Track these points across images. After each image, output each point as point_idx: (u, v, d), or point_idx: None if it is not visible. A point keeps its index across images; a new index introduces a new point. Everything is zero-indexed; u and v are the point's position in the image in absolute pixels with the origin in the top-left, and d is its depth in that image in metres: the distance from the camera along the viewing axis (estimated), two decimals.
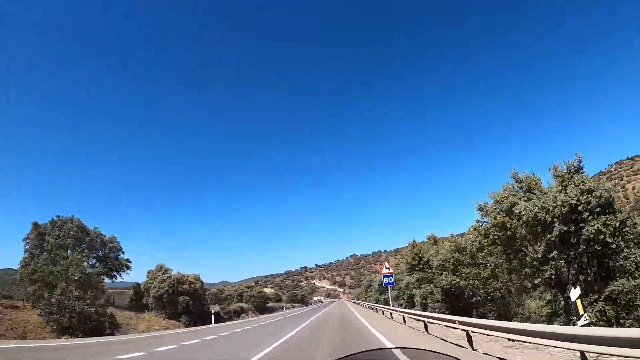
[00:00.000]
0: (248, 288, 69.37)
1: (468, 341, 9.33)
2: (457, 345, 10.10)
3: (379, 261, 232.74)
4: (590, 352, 5.28)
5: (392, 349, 1.86)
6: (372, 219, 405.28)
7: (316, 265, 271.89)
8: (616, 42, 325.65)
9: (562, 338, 5.52)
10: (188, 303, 35.16)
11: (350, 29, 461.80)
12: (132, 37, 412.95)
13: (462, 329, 9.69)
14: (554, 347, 6.05)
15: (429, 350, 1.79)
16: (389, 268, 29.37)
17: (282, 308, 75.37)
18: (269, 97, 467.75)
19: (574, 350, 5.46)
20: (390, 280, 28.54)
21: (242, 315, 47.95)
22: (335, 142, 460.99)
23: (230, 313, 45.57)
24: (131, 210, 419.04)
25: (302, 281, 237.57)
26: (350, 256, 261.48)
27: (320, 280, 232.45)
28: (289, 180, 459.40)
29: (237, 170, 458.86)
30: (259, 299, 63.75)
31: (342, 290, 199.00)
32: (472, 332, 9.11)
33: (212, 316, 36.56)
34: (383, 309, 29.60)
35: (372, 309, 38.10)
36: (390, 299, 31.11)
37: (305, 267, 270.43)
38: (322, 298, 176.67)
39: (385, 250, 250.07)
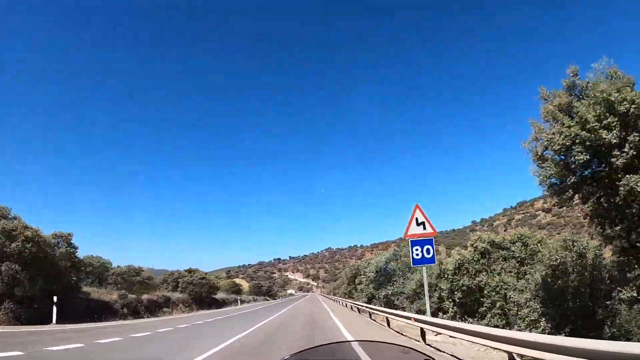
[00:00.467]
0: (189, 273, 49.79)
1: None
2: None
3: (355, 255, 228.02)
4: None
5: (351, 342, 1.91)
6: (350, 213, 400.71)
7: (290, 257, 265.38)
8: None
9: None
10: (17, 277, 18.08)
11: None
12: None
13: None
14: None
15: (384, 342, 1.88)
16: (423, 223, 12.21)
17: (237, 301, 60.94)
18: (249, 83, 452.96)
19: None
20: (428, 252, 12.01)
21: (165, 310, 33.19)
22: (311, 133, 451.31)
23: (136, 306, 28.65)
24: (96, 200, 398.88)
25: (274, 273, 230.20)
26: (326, 249, 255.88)
27: (293, 272, 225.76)
28: (265, 169, 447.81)
29: (208, 159, 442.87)
30: (201, 288, 47.16)
31: (315, 283, 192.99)
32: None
33: (55, 309, 18.82)
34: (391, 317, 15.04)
35: (361, 310, 25.74)
36: (426, 293, 12.56)
37: (279, 259, 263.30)
38: (295, 291, 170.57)
39: (362, 245, 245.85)
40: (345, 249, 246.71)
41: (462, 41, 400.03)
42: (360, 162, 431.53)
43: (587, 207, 9.29)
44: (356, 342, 1.93)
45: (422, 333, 10.20)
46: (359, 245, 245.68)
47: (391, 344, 1.90)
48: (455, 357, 8.14)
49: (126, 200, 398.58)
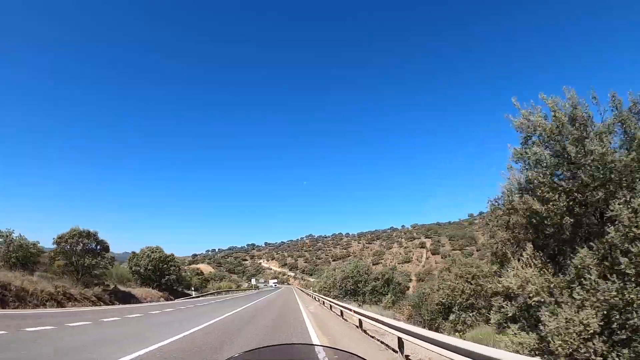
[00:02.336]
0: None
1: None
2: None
3: (340, 245, 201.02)
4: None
5: (315, 346, 1.87)
6: (334, 199, 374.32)
7: (266, 243, 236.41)
8: None
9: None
10: None
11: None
12: None
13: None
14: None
15: (348, 352, 1.84)
16: None
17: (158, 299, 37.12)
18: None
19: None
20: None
21: None
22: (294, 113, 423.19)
23: None
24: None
25: (246, 260, 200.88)
26: (306, 236, 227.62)
27: (268, 260, 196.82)
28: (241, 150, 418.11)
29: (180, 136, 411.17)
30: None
31: (293, 274, 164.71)
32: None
33: None
34: None
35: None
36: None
37: (253, 245, 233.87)
38: (272, 282, 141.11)
39: (348, 234, 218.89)
40: (329, 237, 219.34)
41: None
42: (345, 146, 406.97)
43: None
44: (321, 347, 1.83)
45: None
46: (344, 234, 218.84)
47: (354, 355, 1.82)
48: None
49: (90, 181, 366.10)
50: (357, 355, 1.83)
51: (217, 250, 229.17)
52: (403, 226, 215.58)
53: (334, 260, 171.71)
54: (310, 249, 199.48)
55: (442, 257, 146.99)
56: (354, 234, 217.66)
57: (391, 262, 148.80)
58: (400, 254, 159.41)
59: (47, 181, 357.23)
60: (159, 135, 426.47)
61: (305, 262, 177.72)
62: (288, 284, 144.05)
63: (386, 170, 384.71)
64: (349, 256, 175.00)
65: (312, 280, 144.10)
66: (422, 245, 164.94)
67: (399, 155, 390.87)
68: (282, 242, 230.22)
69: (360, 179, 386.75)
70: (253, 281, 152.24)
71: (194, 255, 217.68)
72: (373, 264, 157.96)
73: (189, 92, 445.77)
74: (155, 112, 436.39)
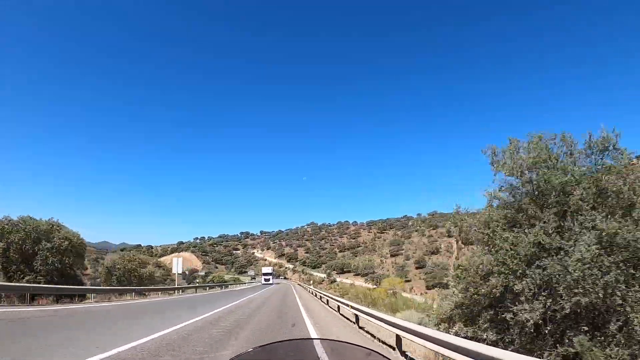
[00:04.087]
0: None
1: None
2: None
3: (347, 234, 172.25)
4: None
5: (313, 340, 1.88)
6: (335, 186, 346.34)
7: (262, 232, 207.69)
8: None
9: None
10: None
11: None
12: None
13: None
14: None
15: (347, 342, 1.86)
16: None
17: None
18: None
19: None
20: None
21: None
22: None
23: None
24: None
25: (237, 249, 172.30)
26: (308, 224, 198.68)
27: (262, 250, 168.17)
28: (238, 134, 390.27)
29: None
30: None
31: (291, 266, 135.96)
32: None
33: None
34: None
35: None
36: None
37: (247, 233, 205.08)
38: (266, 273, 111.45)
39: (356, 222, 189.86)
40: (334, 225, 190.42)
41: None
42: (344, 139, 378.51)
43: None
44: (319, 340, 1.84)
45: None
46: (351, 222, 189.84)
47: (354, 344, 1.81)
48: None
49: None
50: (356, 345, 1.83)
51: (206, 239, 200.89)
52: (419, 214, 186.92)
53: (340, 251, 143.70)
54: (312, 238, 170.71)
55: (477, 248, 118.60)
56: (363, 222, 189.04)
57: (414, 253, 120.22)
58: (423, 243, 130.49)
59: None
60: (148, 120, 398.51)
61: (307, 252, 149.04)
62: (285, 277, 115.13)
63: (391, 159, 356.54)
64: (358, 246, 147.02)
65: (315, 274, 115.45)
66: (450, 234, 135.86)
67: (401, 147, 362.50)
68: (279, 230, 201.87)
69: (363, 166, 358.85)
70: (251, 274, 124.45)
71: (180, 243, 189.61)
72: (391, 255, 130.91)
73: (184, 78, 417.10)
74: (154, 101, 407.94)
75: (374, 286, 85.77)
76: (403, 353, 8.54)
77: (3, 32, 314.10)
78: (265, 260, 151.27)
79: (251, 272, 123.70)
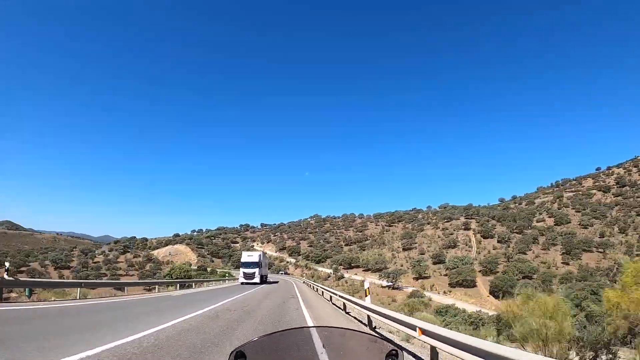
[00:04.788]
0: None
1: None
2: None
3: (353, 226, 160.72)
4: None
5: (310, 328, 1.88)
6: (339, 179, 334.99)
7: (262, 224, 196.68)
8: None
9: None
10: None
11: None
12: None
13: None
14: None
15: (353, 330, 1.88)
16: None
17: None
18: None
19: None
20: None
21: None
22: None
23: None
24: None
25: (236, 242, 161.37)
26: (312, 217, 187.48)
27: (262, 243, 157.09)
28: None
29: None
30: None
31: (293, 260, 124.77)
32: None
33: None
34: None
35: None
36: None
37: (247, 225, 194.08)
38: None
39: (362, 215, 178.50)
40: (339, 217, 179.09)
41: None
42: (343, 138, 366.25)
43: None
44: (323, 327, 1.84)
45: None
46: (357, 215, 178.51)
47: (359, 331, 1.84)
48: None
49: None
50: (366, 332, 1.87)
51: (204, 231, 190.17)
52: (429, 207, 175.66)
53: (347, 245, 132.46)
54: (316, 230, 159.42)
55: (498, 242, 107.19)
56: (369, 215, 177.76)
57: (428, 246, 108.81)
58: (438, 237, 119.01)
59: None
60: (148, 115, 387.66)
61: (310, 245, 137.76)
62: (286, 272, 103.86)
63: (398, 153, 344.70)
64: (366, 240, 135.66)
65: (320, 269, 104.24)
66: (467, 227, 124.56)
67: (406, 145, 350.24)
68: (281, 223, 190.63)
69: (370, 159, 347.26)
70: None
71: (176, 235, 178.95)
72: (404, 249, 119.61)
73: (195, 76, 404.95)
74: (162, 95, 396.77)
75: (390, 284, 74.42)
76: None
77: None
78: (266, 254, 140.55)
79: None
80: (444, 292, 70.50)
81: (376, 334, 2.58)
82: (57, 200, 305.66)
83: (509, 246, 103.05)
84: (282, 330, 1.78)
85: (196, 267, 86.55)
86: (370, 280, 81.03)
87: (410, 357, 7.37)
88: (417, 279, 79.31)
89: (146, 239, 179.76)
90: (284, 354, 1.73)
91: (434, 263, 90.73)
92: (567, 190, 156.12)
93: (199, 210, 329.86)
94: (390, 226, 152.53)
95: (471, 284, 73.12)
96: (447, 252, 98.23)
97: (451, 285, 73.51)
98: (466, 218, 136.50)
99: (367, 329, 10.68)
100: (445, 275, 79.84)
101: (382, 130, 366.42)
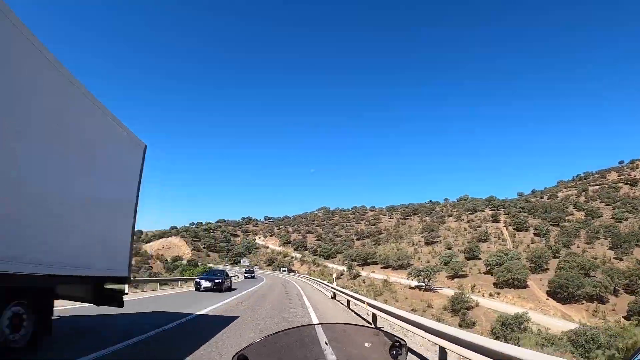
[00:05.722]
0: None
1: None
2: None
3: (365, 219, 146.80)
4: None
5: (315, 325, 1.86)
6: (348, 171, 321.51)
7: (266, 218, 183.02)
8: None
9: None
10: None
11: None
12: None
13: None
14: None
15: (355, 324, 1.91)
16: None
17: None
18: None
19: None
20: None
21: None
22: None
23: None
24: None
25: (237, 235, 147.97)
26: (319, 209, 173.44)
27: (265, 237, 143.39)
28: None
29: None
30: None
31: (299, 255, 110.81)
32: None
33: None
34: None
35: None
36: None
37: (249, 218, 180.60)
38: (249, 268, 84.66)
39: (374, 207, 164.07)
40: (349, 210, 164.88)
41: None
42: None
43: None
44: (325, 324, 1.81)
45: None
46: (369, 207, 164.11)
47: (362, 326, 1.88)
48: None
49: None
50: (367, 326, 1.93)
51: (203, 223, 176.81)
52: (446, 199, 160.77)
53: (358, 239, 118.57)
54: (324, 223, 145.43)
55: (535, 234, 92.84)
56: (382, 207, 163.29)
57: (455, 240, 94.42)
58: (465, 229, 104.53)
59: None
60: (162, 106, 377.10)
61: (318, 239, 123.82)
62: (290, 269, 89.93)
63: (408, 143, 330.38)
64: (380, 234, 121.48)
65: (330, 266, 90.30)
66: (495, 219, 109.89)
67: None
68: (285, 216, 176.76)
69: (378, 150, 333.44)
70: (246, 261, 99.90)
71: (173, 228, 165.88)
72: (426, 243, 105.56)
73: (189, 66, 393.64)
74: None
75: (421, 284, 60.14)
76: None
77: None
78: (268, 247, 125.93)
79: (245, 262, 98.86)
80: (490, 295, 56.24)
81: (378, 328, 2.56)
82: None
83: (548, 239, 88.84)
84: (286, 329, 1.70)
85: (185, 262, 72.91)
86: (394, 279, 67.39)
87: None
88: (451, 277, 64.95)
89: (141, 231, 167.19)
90: (289, 352, 1.67)
91: (468, 258, 76.36)
92: (591, 183, 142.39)
93: (201, 202, 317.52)
94: (405, 219, 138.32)
95: (522, 284, 58.76)
96: (479, 246, 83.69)
97: (497, 285, 59.20)
98: (491, 210, 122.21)
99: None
100: (487, 273, 65.47)
101: (395, 122, 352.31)
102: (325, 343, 1.69)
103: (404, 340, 1.62)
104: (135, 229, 9.07)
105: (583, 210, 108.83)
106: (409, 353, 1.71)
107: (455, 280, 63.06)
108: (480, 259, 75.53)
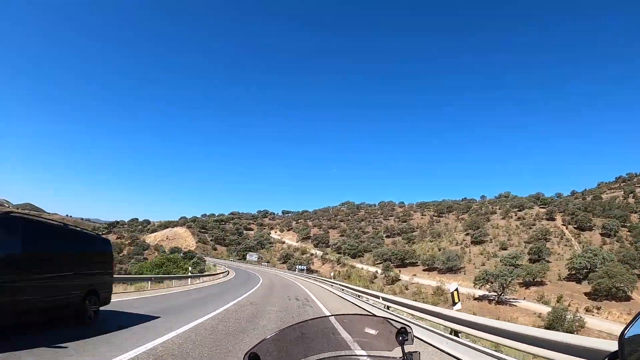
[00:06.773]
0: None
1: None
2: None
3: (392, 215, 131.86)
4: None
5: (329, 317, 1.98)
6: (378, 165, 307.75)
7: (284, 211, 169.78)
8: None
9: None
10: None
11: None
12: None
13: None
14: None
15: (361, 314, 2.04)
16: None
17: None
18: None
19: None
20: None
21: None
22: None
23: None
24: None
25: (250, 228, 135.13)
26: (343, 204, 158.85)
27: (282, 231, 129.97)
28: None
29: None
30: None
31: (320, 252, 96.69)
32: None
33: None
34: None
35: None
36: None
37: (266, 212, 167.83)
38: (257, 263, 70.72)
39: (403, 203, 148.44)
40: (376, 205, 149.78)
41: None
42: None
43: None
44: (333, 316, 1.96)
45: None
46: (398, 203, 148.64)
47: (368, 315, 1.93)
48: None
49: None
50: (373, 315, 1.99)
51: (216, 215, 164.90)
52: (483, 196, 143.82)
53: (388, 237, 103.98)
54: (349, 218, 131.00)
55: (602, 234, 76.43)
56: (412, 203, 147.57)
57: (508, 239, 78.72)
58: (517, 227, 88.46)
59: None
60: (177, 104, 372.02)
61: (342, 235, 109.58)
62: (309, 269, 75.95)
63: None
64: (412, 231, 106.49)
65: (359, 266, 75.92)
66: (551, 217, 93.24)
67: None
68: (305, 210, 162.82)
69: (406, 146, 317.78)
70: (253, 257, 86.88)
71: (182, 218, 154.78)
72: (472, 242, 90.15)
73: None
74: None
75: (491, 294, 45.07)
76: None
77: None
78: (285, 243, 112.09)
79: (253, 257, 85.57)
80: (587, 310, 40.88)
81: (384, 317, 2.11)
82: (72, 183, 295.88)
83: (623, 242, 72.71)
84: (298, 323, 1.76)
85: (182, 255, 59.91)
86: (454, 286, 52.38)
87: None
88: (525, 285, 49.47)
89: (148, 221, 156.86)
90: (302, 344, 1.72)
91: (532, 261, 60.84)
92: (636, 185, 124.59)
93: (215, 195, 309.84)
94: (439, 216, 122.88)
95: (623, 296, 43.28)
96: (542, 247, 67.62)
97: (590, 295, 43.83)
98: (540, 207, 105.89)
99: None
100: (570, 279, 49.97)
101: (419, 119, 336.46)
102: (346, 331, 1.89)
103: (410, 327, 1.68)
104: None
105: (636, 213, 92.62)
106: (414, 339, 1.72)
107: (532, 288, 47.75)
108: (549, 261, 60.01)
